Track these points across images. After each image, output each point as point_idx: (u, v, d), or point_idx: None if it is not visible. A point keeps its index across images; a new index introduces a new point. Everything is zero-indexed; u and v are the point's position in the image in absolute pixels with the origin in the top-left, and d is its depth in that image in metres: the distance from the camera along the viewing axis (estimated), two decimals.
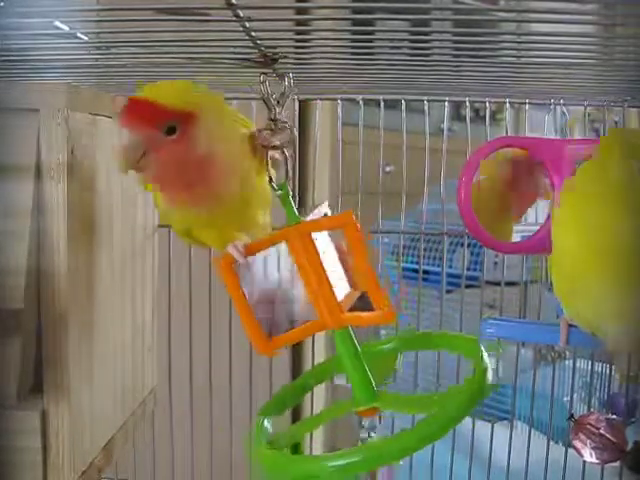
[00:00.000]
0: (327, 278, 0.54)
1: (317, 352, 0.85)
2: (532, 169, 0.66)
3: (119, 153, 0.48)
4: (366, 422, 0.59)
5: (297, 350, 1.58)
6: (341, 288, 0.56)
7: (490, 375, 0.51)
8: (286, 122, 0.57)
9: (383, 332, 1.02)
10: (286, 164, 0.57)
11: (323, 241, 0.56)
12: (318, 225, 0.55)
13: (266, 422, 0.56)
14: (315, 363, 0.86)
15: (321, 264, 0.54)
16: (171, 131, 0.49)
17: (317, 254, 0.54)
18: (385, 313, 0.53)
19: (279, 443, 0.54)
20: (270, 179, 0.56)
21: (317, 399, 0.88)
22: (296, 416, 1.50)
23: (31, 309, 0.50)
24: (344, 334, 0.55)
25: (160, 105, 0.48)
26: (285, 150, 0.57)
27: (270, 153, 0.56)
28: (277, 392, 0.62)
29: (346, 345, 0.55)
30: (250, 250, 0.54)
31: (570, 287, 0.50)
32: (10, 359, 0.49)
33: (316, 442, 0.90)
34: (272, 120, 0.56)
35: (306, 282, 0.54)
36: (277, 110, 0.56)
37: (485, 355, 0.53)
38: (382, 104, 0.78)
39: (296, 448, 0.56)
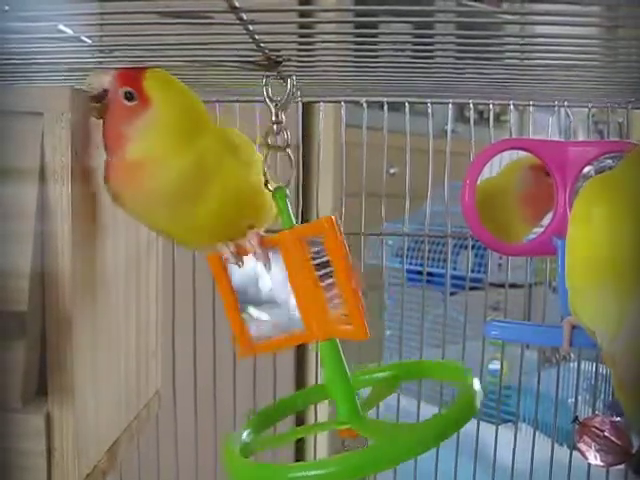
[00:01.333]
0: (319, 287, 0.52)
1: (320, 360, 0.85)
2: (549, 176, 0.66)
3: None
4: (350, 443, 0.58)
5: (301, 352, 1.59)
6: (337, 304, 0.53)
7: (476, 402, 0.50)
8: (280, 123, 0.57)
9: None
10: (291, 167, 0.57)
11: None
12: (300, 231, 0.53)
13: (245, 434, 0.55)
14: (319, 366, 0.86)
15: (313, 272, 0.52)
16: (130, 96, 0.52)
17: (310, 262, 0.52)
18: (356, 329, 0.50)
19: (249, 450, 0.53)
20: (266, 182, 0.56)
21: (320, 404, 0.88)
22: (299, 421, 1.50)
23: (35, 312, 0.50)
24: (330, 347, 0.53)
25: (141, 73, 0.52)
26: (289, 152, 0.57)
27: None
28: (263, 408, 0.61)
29: (331, 358, 0.53)
30: (243, 251, 0.54)
31: (580, 289, 0.51)
32: (14, 362, 0.49)
33: (321, 447, 0.90)
34: (275, 123, 0.57)
35: (296, 290, 0.53)
36: (278, 112, 0.57)
37: (475, 384, 0.52)
38: (386, 106, 0.78)
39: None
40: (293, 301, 0.53)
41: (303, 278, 0.52)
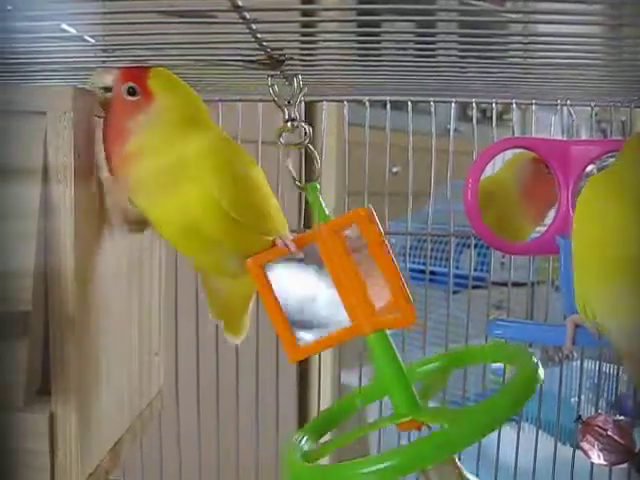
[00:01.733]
0: (361, 279, 0.51)
1: (324, 354, 0.85)
2: (550, 171, 0.66)
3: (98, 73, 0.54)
4: None
5: None
6: (380, 295, 0.52)
7: (539, 375, 0.48)
8: (302, 121, 0.57)
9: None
10: (315, 162, 0.58)
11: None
12: (336, 224, 0.53)
13: (303, 440, 0.54)
14: (322, 365, 0.86)
15: (354, 265, 0.51)
16: (132, 92, 0.52)
17: (349, 254, 0.51)
18: (403, 315, 0.50)
19: (312, 457, 0.51)
20: (294, 178, 0.57)
21: (324, 399, 0.88)
22: (303, 415, 1.51)
23: (39, 311, 0.50)
24: (380, 338, 0.52)
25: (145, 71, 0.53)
26: (311, 148, 0.58)
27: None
28: (321, 413, 0.60)
29: (383, 350, 0.52)
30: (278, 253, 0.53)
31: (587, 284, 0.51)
32: (18, 362, 0.49)
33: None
34: (289, 121, 0.57)
35: (338, 284, 0.51)
36: (291, 110, 0.57)
37: (534, 359, 0.50)
38: (388, 105, 0.78)
39: None
40: (335, 297, 0.52)
41: (344, 271, 0.51)
